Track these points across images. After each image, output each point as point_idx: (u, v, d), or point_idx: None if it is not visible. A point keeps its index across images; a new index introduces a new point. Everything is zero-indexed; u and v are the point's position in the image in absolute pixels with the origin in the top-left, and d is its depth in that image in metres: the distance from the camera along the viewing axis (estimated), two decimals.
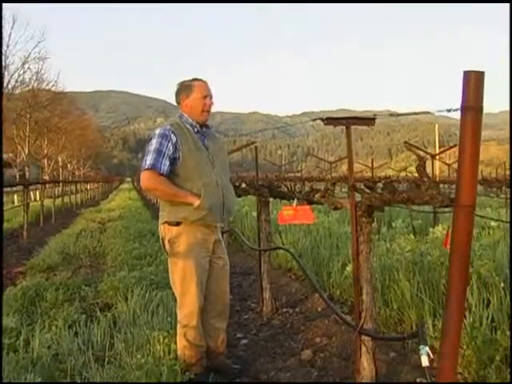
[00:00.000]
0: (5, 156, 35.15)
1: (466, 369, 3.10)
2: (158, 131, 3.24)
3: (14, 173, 33.18)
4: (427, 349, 2.30)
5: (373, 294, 2.89)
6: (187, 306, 3.27)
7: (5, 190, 18.17)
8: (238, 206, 12.57)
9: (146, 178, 3.15)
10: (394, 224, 6.95)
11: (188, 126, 3.31)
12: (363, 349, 2.88)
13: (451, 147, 9.13)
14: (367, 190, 2.57)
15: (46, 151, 38.82)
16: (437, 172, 26.29)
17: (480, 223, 7.81)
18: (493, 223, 7.25)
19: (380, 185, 2.96)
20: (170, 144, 3.16)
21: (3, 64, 29.21)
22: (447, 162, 13.82)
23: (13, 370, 3.31)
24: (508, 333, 3.01)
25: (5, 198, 21.90)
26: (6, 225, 12.64)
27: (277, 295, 5.63)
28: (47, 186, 20.67)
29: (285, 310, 5.08)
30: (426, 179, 2.02)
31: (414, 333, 2.38)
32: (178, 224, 3.22)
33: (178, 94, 3.39)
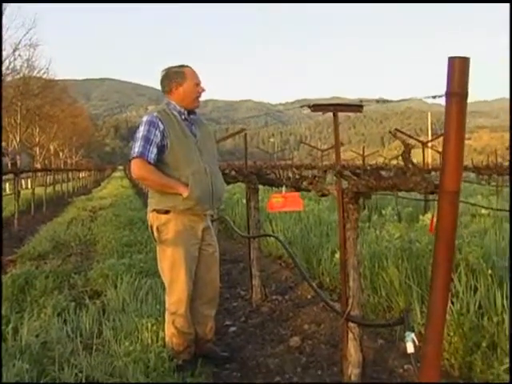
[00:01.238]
0: None
1: (453, 355, 3.13)
2: (145, 118, 3.20)
3: (6, 161, 33.01)
4: (413, 335, 2.30)
5: (360, 281, 2.89)
6: (176, 294, 3.27)
7: None
8: (229, 194, 12.56)
9: (137, 167, 3.12)
10: (383, 212, 6.98)
11: (175, 113, 3.27)
12: (350, 335, 2.88)
13: (442, 135, 9.09)
14: (353, 177, 2.57)
15: (37, 139, 38.68)
16: (429, 160, 26.34)
17: (471, 211, 7.83)
18: (483, 211, 7.27)
19: None
20: (157, 131, 3.13)
21: None
22: (439, 149, 13.82)
23: (1, 357, 3.31)
24: (495, 319, 3.03)
25: None
26: None
27: (266, 282, 5.63)
28: (39, 174, 20.54)
29: (274, 297, 5.09)
30: (410, 166, 2.01)
31: (400, 319, 2.38)
32: (166, 212, 3.21)
33: (167, 81, 3.31)
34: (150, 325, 3.61)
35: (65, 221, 10.46)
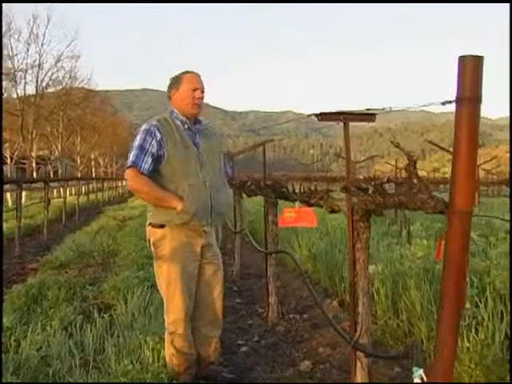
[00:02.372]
0: (40, 153, 35.89)
1: None
2: (143, 127, 3.05)
3: (48, 169, 33.78)
4: (421, 372, 2.04)
5: (370, 306, 2.64)
6: (173, 313, 3.08)
7: (34, 185, 18.28)
8: (260, 206, 12.32)
9: (130, 178, 2.97)
10: (411, 228, 6.66)
11: (178, 123, 3.10)
12: (358, 365, 2.63)
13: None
14: (360, 193, 2.33)
15: (78, 148, 39.46)
16: None
17: (506, 227, 7.40)
18: None
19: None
20: (153, 141, 2.96)
21: (38, 62, 29.73)
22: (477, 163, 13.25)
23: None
24: None
25: (34, 195, 22.19)
26: (28, 221, 12.68)
27: (286, 299, 5.42)
28: (72, 182, 20.81)
29: (292, 315, 4.84)
30: (415, 181, 1.77)
31: (407, 352, 2.13)
32: (161, 226, 3.03)
33: (168, 88, 3.19)
34: (151, 343, 3.43)
35: (93, 230, 10.44)
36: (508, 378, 2.70)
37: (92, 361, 3.47)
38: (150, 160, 2.94)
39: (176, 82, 3.14)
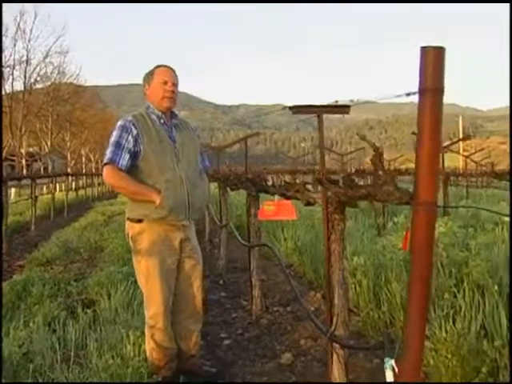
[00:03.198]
0: (30, 149, 35.68)
1: (451, 380, 2.84)
2: (119, 123, 3.04)
3: (38, 166, 33.62)
4: (392, 362, 2.06)
5: (346, 298, 2.65)
6: (153, 307, 3.09)
7: (24, 182, 18.20)
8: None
9: (106, 174, 2.98)
10: (395, 219, 6.69)
11: (154, 117, 3.10)
12: (334, 357, 2.65)
13: (460, 139, 8.76)
14: (331, 185, 2.34)
15: (68, 144, 39.26)
16: (459, 164, 25.72)
17: (494, 219, 7.45)
18: (507, 218, 6.89)
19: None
20: (129, 137, 2.96)
21: (26, 58, 29.49)
22: (464, 154, 13.36)
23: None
24: (496, 343, 2.73)
25: (24, 191, 22.05)
26: (18, 218, 12.64)
27: (271, 293, 5.43)
28: (63, 178, 20.68)
29: (276, 308, 4.87)
30: (381, 173, 1.78)
31: (381, 343, 2.14)
32: (139, 221, 3.04)
33: (143, 83, 3.19)
34: (133, 338, 3.44)
35: (81, 226, 10.39)
36: (483, 370, 2.72)
37: (74, 356, 3.47)
38: (127, 156, 2.94)
39: (148, 76, 3.14)
